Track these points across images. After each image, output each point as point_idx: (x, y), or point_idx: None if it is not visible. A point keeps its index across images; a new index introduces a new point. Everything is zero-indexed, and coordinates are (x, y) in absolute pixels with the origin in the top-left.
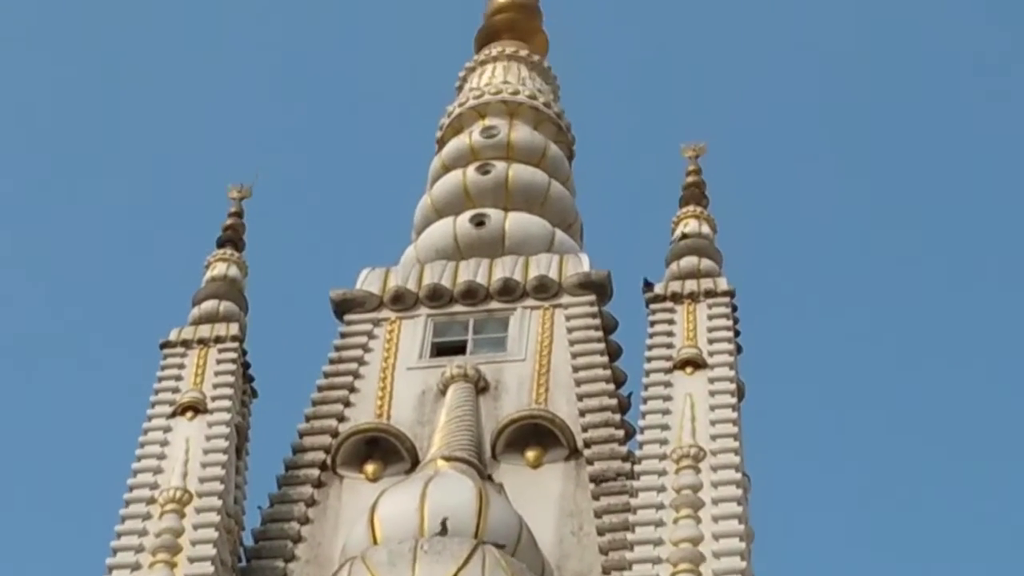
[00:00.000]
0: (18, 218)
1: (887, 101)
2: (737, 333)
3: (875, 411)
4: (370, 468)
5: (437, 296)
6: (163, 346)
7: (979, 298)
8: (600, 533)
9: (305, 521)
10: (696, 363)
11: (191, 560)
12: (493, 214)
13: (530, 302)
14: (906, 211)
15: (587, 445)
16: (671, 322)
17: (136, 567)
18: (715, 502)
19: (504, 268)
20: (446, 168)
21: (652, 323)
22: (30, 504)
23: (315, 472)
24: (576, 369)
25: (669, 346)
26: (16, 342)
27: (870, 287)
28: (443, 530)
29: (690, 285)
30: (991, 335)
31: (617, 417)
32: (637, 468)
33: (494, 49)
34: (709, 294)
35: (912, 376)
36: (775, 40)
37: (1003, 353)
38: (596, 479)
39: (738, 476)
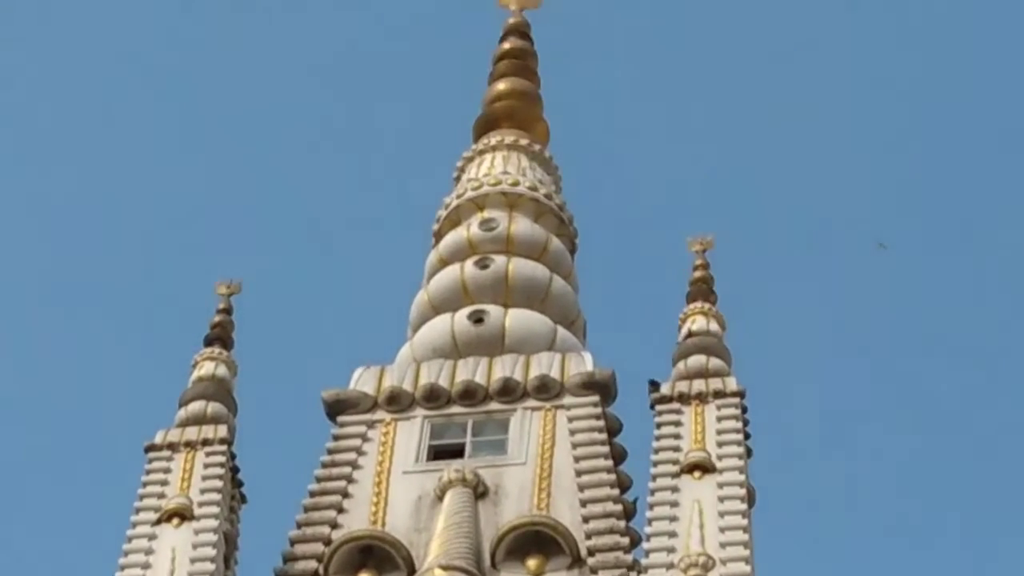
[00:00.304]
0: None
1: (906, 187)
2: (747, 436)
3: (896, 515)
4: None
5: (434, 397)
6: (148, 449)
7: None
8: None
9: None
10: (705, 467)
11: None
12: (492, 311)
13: (531, 403)
14: (934, 300)
15: (591, 553)
16: (678, 424)
17: None
18: None
19: (504, 367)
20: (443, 262)
21: (658, 425)
22: None
23: None
24: (579, 473)
25: (676, 449)
26: (9, 448)
27: (892, 386)
28: None
29: (698, 385)
30: None
31: (622, 524)
32: None
33: (493, 138)
34: (718, 395)
35: (938, 478)
36: (785, 126)
37: None
38: None
39: None
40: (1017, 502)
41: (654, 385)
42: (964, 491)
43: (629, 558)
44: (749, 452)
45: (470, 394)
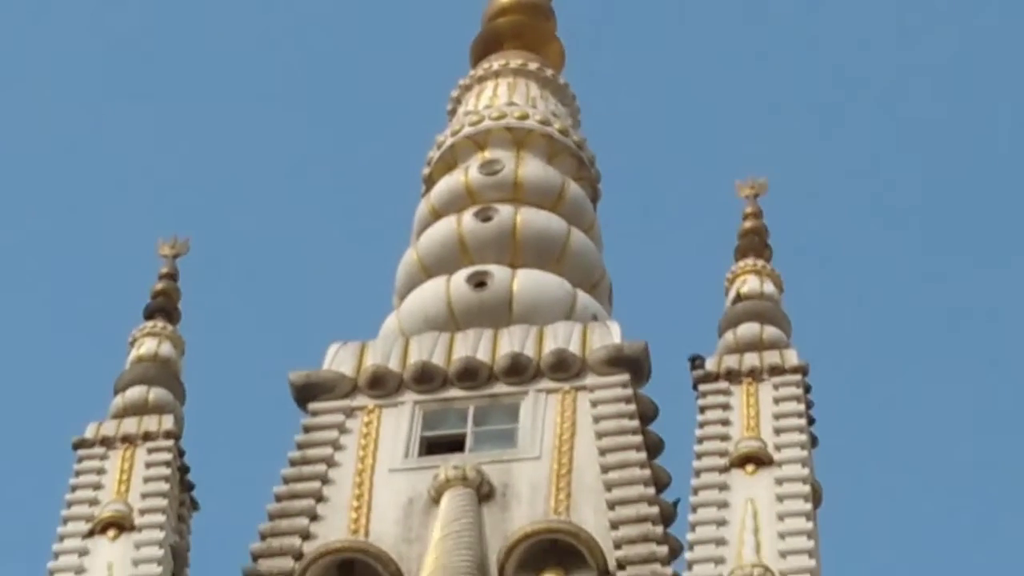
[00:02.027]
0: None
1: (971, 124)
2: (811, 420)
3: (979, 510)
4: None
5: (427, 378)
6: (77, 446)
7: None
8: None
9: None
10: (759, 459)
11: None
12: (497, 272)
13: (546, 384)
14: (1002, 245)
15: (621, 566)
16: (726, 407)
17: None
18: None
19: (512, 341)
20: (436, 214)
21: (702, 409)
22: None
23: None
24: (606, 469)
25: (725, 438)
26: None
27: (966, 349)
28: None
29: (750, 360)
30: None
31: (659, 530)
32: None
33: (496, 62)
34: (775, 371)
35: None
36: (849, 53)
37: None
38: None
39: None
40: None
41: (697, 361)
42: None
43: (668, 571)
44: (814, 441)
45: (471, 374)
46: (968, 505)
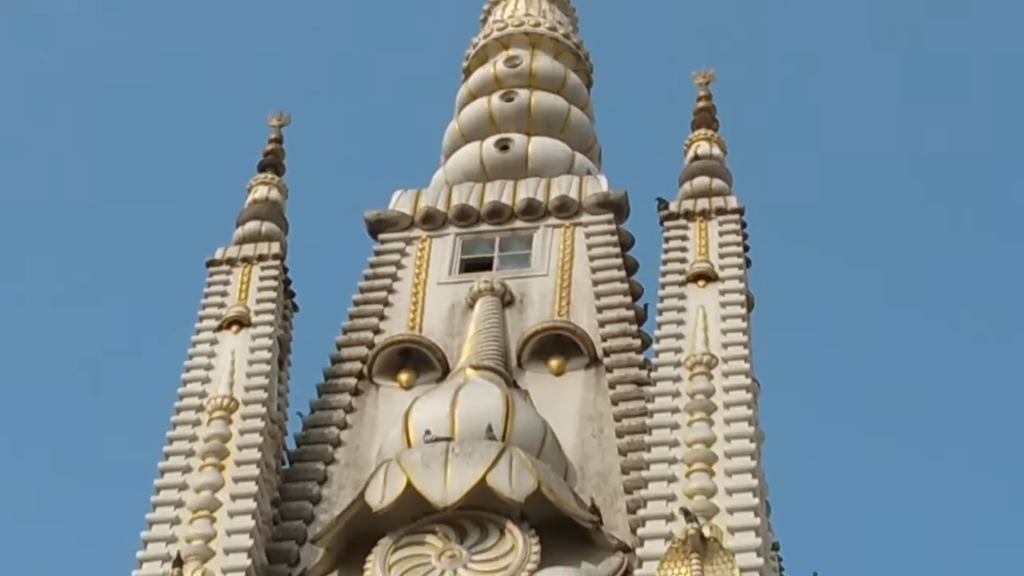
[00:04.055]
0: (79, 141)
1: (906, 18)
2: (746, 248)
3: (884, 318)
4: (404, 377)
5: (465, 216)
6: (209, 264)
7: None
8: (619, 436)
9: (344, 426)
10: (708, 277)
11: (238, 463)
12: (517, 138)
13: (552, 221)
14: (925, 123)
15: (606, 354)
16: (684, 238)
17: (187, 470)
18: (727, 406)
19: (527, 189)
20: (472, 96)
21: (666, 239)
22: (85, 416)
23: (352, 381)
24: (596, 283)
25: (682, 261)
26: (82, 266)
27: (879, 202)
28: (490, 435)
29: (702, 203)
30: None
31: (634, 328)
32: (653, 375)
33: None
34: (720, 212)
35: (917, 287)
36: None
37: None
38: (615, 385)
39: (748, 382)
40: None
41: (663, 203)
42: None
43: (640, 358)
44: (748, 263)
45: (497, 213)
46: (878, 302)
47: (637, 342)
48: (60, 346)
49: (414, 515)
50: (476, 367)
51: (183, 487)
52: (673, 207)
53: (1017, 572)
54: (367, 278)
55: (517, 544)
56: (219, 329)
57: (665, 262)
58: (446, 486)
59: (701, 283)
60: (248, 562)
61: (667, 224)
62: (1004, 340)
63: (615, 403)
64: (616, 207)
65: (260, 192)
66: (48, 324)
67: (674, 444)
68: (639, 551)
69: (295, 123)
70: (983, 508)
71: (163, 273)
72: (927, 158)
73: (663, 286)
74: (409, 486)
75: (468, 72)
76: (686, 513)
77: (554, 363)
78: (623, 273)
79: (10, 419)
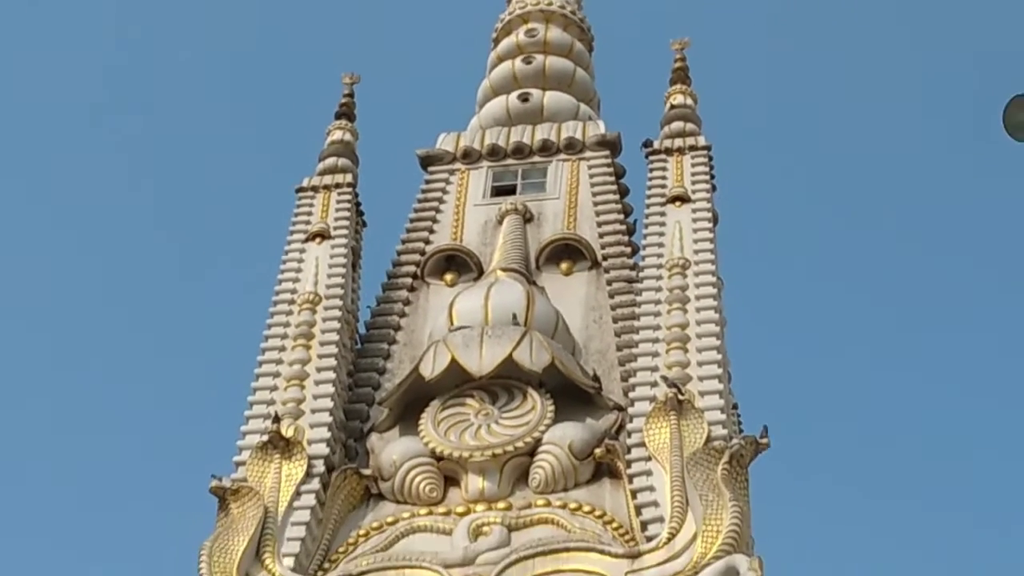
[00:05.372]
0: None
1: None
2: (713, 176)
3: (837, 227)
4: (448, 277)
5: (495, 153)
6: (298, 191)
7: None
8: (615, 321)
9: (402, 315)
10: (683, 199)
11: (321, 344)
12: (535, 93)
13: (562, 156)
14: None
15: (604, 259)
16: (664, 169)
17: (282, 349)
18: (697, 299)
19: (543, 132)
20: (500, 59)
21: (651, 170)
22: (202, 308)
23: (409, 280)
24: (596, 204)
25: (663, 187)
26: (198, 191)
27: (835, 133)
28: (515, 321)
29: (678, 142)
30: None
31: (626, 238)
32: (641, 275)
33: None
34: (692, 148)
35: (866, 192)
36: None
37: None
38: (611, 283)
39: (714, 279)
40: None
41: (647, 143)
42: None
43: (631, 262)
44: (714, 188)
45: (520, 150)
46: (833, 215)
47: (628, 249)
48: (183, 252)
49: (457, 383)
50: (504, 269)
51: (279, 362)
52: (656, 145)
53: (962, 385)
54: (419, 201)
55: (536, 405)
56: (306, 240)
57: (650, 187)
58: (481, 360)
59: (678, 204)
60: (330, 419)
61: (651, 158)
62: (949, 197)
63: (611, 296)
64: (612, 145)
65: (336, 135)
66: (177, 233)
67: (657, 328)
68: (630, 410)
69: (364, 81)
70: (935, 344)
71: (264, 197)
72: (888, 71)
73: (648, 206)
74: (453, 360)
75: (496, 41)
76: (666, 381)
77: (564, 266)
78: (617, 196)
79: (146, 316)
